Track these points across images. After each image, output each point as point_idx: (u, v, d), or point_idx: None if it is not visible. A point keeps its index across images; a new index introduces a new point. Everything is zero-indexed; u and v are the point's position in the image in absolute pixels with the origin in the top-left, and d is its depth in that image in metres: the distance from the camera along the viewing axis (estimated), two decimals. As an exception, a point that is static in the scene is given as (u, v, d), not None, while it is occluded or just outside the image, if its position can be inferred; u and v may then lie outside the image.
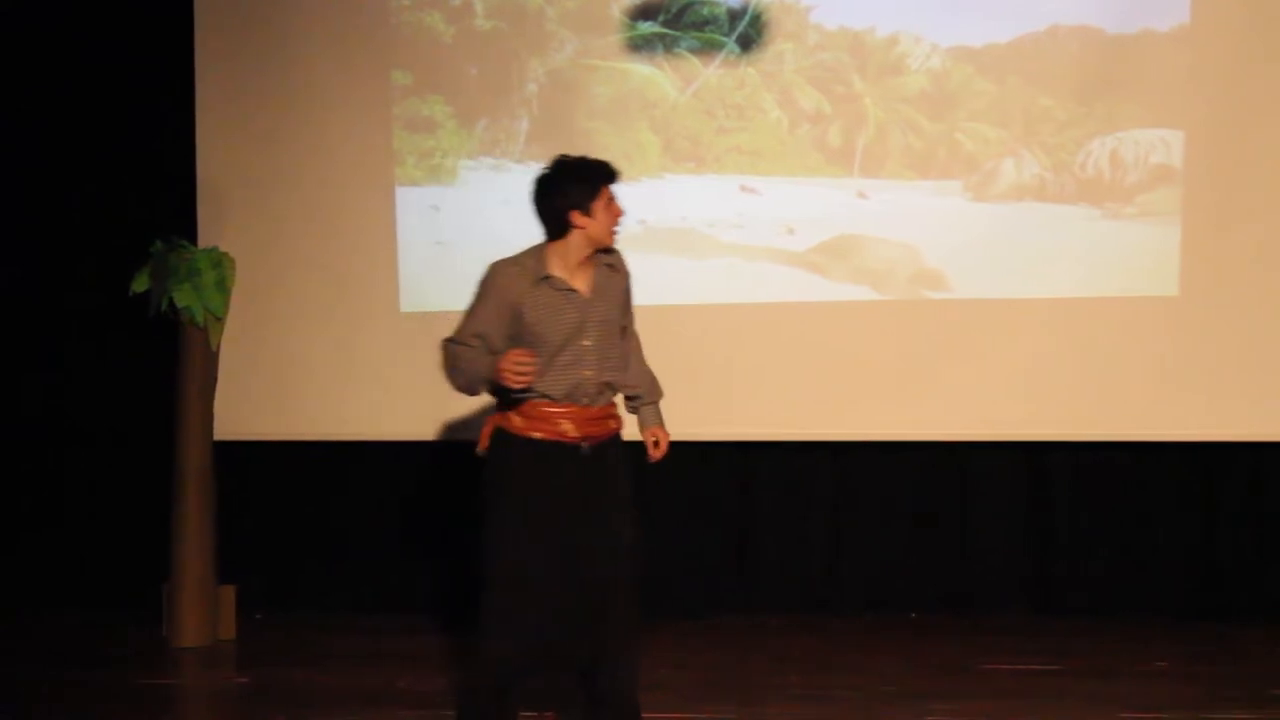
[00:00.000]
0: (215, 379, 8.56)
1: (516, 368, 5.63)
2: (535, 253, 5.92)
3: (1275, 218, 8.34)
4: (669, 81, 8.70)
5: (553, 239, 5.90)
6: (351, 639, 8.58)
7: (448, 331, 8.82)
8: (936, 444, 8.73)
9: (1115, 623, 8.58)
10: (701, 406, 8.60)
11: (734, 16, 8.63)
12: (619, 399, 6.15)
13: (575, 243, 5.87)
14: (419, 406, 8.82)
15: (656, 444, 6.28)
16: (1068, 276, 8.49)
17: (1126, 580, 8.80)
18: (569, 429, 5.89)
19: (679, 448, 8.73)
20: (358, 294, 8.98)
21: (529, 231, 8.51)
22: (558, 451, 5.88)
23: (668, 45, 8.68)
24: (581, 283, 5.90)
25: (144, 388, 9.14)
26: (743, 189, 8.64)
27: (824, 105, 8.60)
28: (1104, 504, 8.80)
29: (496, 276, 5.91)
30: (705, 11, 8.63)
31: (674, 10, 8.66)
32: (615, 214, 5.91)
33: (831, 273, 8.59)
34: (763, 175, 8.62)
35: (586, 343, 5.89)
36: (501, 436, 5.96)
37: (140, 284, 8.48)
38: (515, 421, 5.92)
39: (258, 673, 7.96)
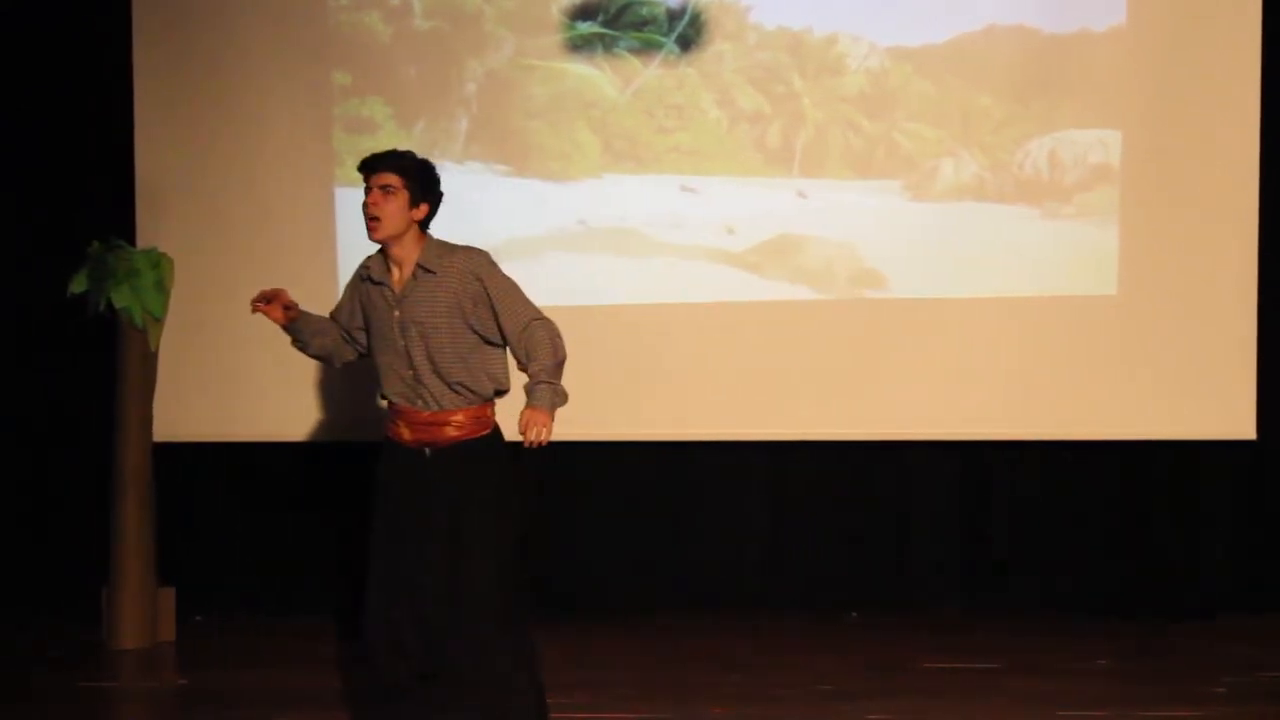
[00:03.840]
0: (154, 380, 8.51)
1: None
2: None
3: (1212, 216, 8.41)
4: (608, 81, 8.70)
5: None
6: (290, 641, 8.57)
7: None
8: (875, 443, 8.77)
9: (1053, 621, 8.62)
10: (640, 406, 8.64)
11: (673, 17, 8.63)
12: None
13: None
14: (358, 409, 8.82)
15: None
16: (1006, 276, 8.53)
17: (1065, 578, 8.84)
18: (404, 432, 5.95)
19: (618, 447, 8.82)
20: (297, 295, 8.75)
21: (468, 230, 8.52)
22: (401, 453, 5.97)
23: (607, 45, 8.68)
24: (399, 281, 5.98)
25: (83, 389, 9.11)
26: (682, 189, 8.65)
27: (763, 105, 8.62)
28: (1042, 503, 8.85)
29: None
30: (644, 12, 8.64)
31: (613, 10, 8.66)
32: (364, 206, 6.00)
33: (770, 272, 8.61)
34: (702, 175, 8.63)
35: (402, 343, 5.92)
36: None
37: (78, 285, 8.42)
38: (386, 422, 6.06)
39: (197, 675, 7.94)
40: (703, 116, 8.66)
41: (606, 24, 8.70)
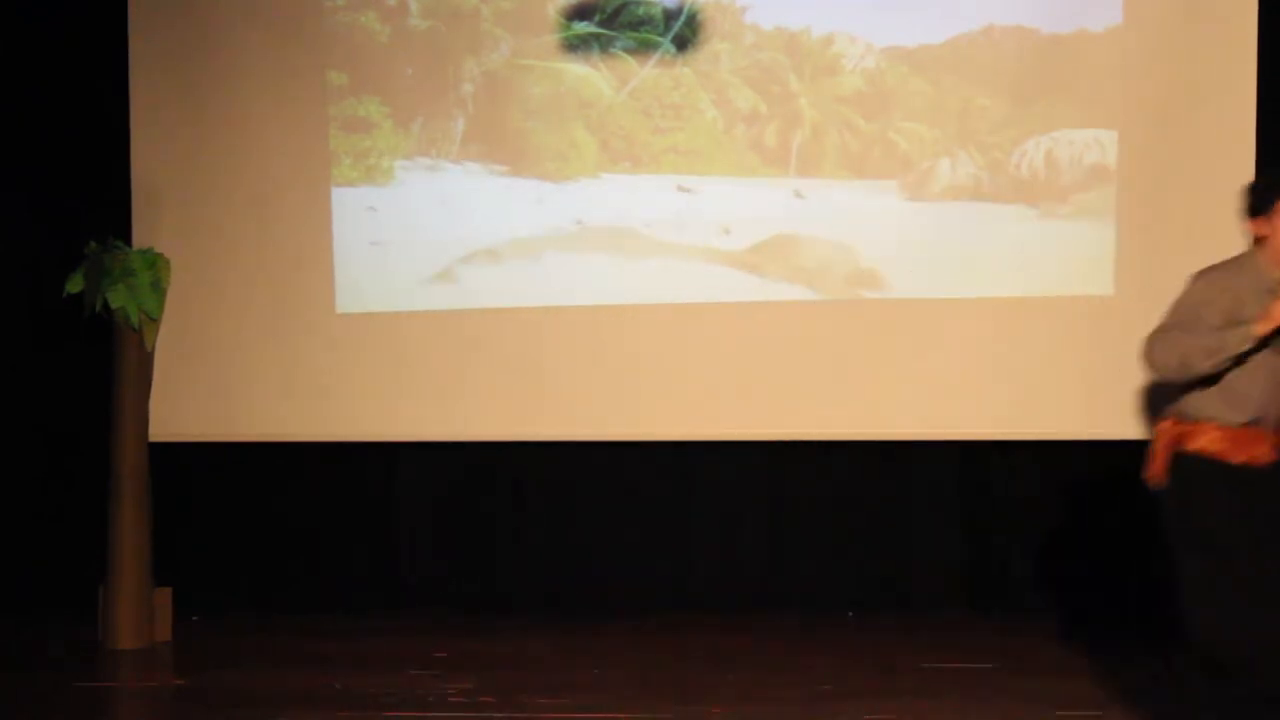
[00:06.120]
0: (150, 380, 8.50)
1: None
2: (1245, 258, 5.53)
3: (1209, 216, 8.36)
4: (605, 81, 8.69)
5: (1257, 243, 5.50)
6: (288, 640, 8.55)
7: (384, 332, 8.87)
8: (874, 443, 8.76)
9: (1053, 621, 8.60)
10: (638, 406, 8.63)
11: (669, 17, 8.63)
12: None
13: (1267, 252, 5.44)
14: (355, 407, 8.83)
15: None
16: (1003, 276, 8.52)
17: (1064, 579, 8.83)
18: (1271, 451, 5.42)
19: (616, 447, 8.80)
20: (294, 295, 8.94)
21: (464, 230, 8.53)
22: (1253, 474, 5.42)
23: (603, 45, 8.67)
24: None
25: (79, 389, 9.08)
26: (679, 189, 8.64)
27: (760, 105, 8.61)
28: (1040, 503, 8.83)
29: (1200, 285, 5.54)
30: (641, 11, 8.63)
31: (609, 10, 8.65)
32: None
33: (768, 272, 8.60)
34: (699, 175, 8.63)
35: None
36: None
37: (75, 285, 8.41)
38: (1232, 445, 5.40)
39: (194, 675, 7.90)
40: (699, 116, 8.66)
41: (603, 24, 8.69)
